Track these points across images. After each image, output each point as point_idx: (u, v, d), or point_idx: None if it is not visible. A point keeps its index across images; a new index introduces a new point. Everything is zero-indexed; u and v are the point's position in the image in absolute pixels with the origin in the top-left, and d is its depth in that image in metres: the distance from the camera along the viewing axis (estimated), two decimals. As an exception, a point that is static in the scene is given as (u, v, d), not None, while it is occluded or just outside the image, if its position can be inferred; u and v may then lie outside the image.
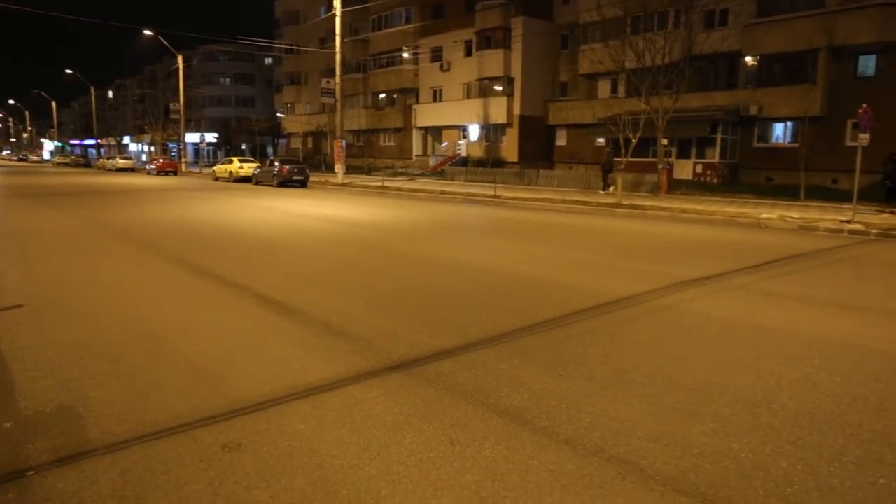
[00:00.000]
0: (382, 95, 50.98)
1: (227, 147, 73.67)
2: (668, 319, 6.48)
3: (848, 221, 15.09)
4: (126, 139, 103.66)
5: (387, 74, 48.84)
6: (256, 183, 33.78)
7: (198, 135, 63.84)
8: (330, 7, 34.31)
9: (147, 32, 47.05)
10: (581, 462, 3.42)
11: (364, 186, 30.59)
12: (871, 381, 4.73)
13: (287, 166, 31.81)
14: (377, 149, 50.34)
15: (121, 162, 58.33)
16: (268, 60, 77.02)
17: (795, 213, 17.40)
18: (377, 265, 9.75)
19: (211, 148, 75.73)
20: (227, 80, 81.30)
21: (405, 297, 7.43)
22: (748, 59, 29.49)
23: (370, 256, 10.63)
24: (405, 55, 46.97)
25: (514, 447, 3.59)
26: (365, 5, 44.45)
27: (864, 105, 16.06)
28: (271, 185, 31.55)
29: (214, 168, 41.13)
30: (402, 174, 40.36)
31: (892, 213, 17.15)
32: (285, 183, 31.09)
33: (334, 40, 33.55)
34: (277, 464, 3.38)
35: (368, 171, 43.16)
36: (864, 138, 15.93)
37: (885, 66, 25.70)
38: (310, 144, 60.08)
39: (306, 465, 3.37)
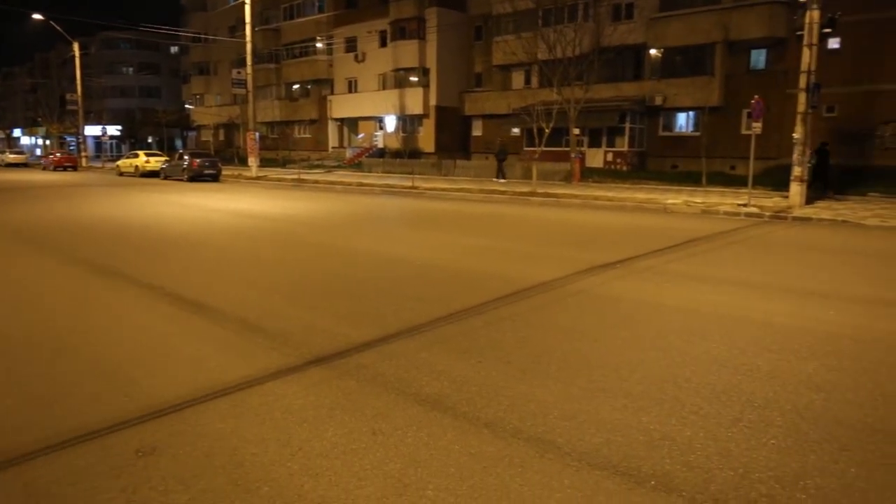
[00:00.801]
0: (296, 86, 49.88)
1: (132, 140, 70.14)
2: (581, 303, 6.73)
3: (745, 205, 16.08)
4: (17, 132, 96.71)
5: (300, 65, 47.80)
6: (165, 178, 32.37)
7: (99, 127, 60.32)
8: (238, -6, 33.23)
9: (37, 16, 43.82)
10: (501, 444, 3.53)
11: (279, 179, 29.92)
12: (764, 353, 5.10)
13: (198, 160, 30.64)
14: (292, 141, 49.25)
15: (11, 157, 54.18)
16: (174, 49, 73.70)
17: (698, 198, 18.38)
18: (295, 259, 9.60)
19: (114, 141, 71.88)
20: (130, 69, 77.27)
21: (325, 290, 7.37)
22: (653, 51, 30.76)
23: (288, 250, 10.45)
24: (319, 45, 46.10)
25: (436, 434, 3.65)
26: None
27: (756, 96, 17.15)
28: (181, 180, 30.31)
29: (118, 163, 39.07)
30: (318, 167, 39.71)
31: (832, 197, 18.51)
32: (196, 177, 29.96)
33: (244, 29, 32.53)
34: (196, 465, 3.30)
35: (283, 163, 42.21)
36: (757, 127, 17.02)
37: (774, 59, 27.47)
38: (221, 137, 58.02)
39: (226, 465, 3.31)
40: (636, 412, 3.97)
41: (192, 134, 65.22)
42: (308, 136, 49.58)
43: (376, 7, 41.06)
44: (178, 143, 65.74)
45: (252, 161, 32.56)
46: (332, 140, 47.46)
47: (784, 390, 4.33)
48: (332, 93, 46.31)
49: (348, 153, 43.83)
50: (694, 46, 28.88)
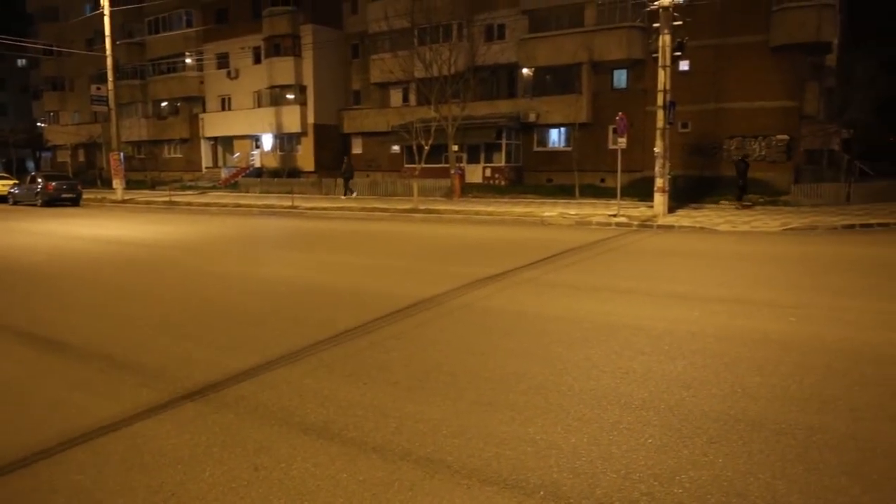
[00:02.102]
0: (165, 104, 47.31)
1: (-26, 163, 63.44)
2: (466, 317, 6.79)
3: (615, 215, 17.04)
4: None
5: (169, 81, 45.43)
6: (14, 203, 29.49)
7: (-67, 149, 54.08)
8: (97, 5, 31.04)
9: None
10: (390, 468, 3.45)
11: (148, 202, 28.18)
12: (638, 355, 5.37)
13: (53, 183, 28.17)
14: (162, 161, 46.62)
15: None
16: (21, 62, 67.62)
17: (573, 210, 19.27)
18: (167, 286, 9.02)
19: (-48, 164, 64.67)
20: (-31, 84, 70.03)
21: (200, 319, 6.96)
22: (525, 70, 32.03)
23: (158, 278, 9.80)
24: (188, 61, 44.06)
25: (323, 463, 3.51)
26: (139, 5, 40.97)
27: (620, 113, 18.31)
28: (34, 205, 27.73)
29: (-43, 188, 35.12)
30: (191, 188, 37.82)
31: (743, 207, 19.81)
32: (53, 202, 27.52)
33: (104, 42, 30.47)
34: (50, 523, 2.96)
35: (153, 185, 39.84)
36: (623, 142, 18.16)
37: (634, 79, 29.48)
38: (81, 158, 53.84)
39: (87, 520, 2.99)
40: (523, 423, 4.02)
41: (46, 155, 59.96)
42: (179, 155, 47.13)
43: (248, 23, 39.91)
44: (31, 164, 60.24)
45: (117, 183, 30.44)
46: (206, 160, 45.41)
47: (658, 390, 4.57)
48: (204, 111, 44.35)
49: (224, 173, 42.09)
50: (562, 66, 30.38)
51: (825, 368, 4.98)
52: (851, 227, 15.19)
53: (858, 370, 4.93)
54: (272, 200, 26.53)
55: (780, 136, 26.22)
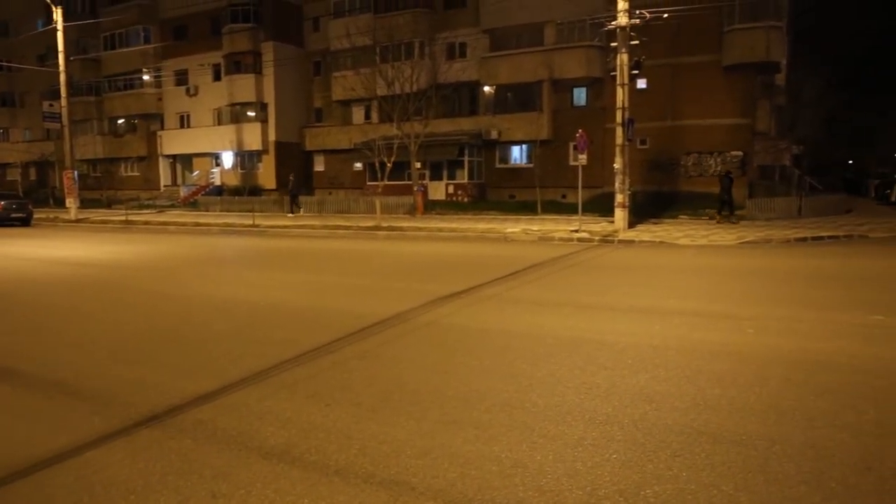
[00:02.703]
0: (122, 121, 46.33)
1: (-83, 182, 60.98)
2: (430, 335, 6.75)
3: (576, 231, 17.24)
4: None
5: (125, 98, 44.54)
6: (-39, 223, 28.41)
7: None
8: (49, 20, 30.34)
9: None
10: (353, 491, 3.37)
11: (104, 221, 27.47)
12: (601, 370, 5.39)
13: (2, 202, 27.26)
14: (118, 180, 45.56)
15: None
16: (-31, 79, 65.51)
17: (535, 226, 19.43)
18: (123, 308, 8.75)
19: None
20: (-88, 100, 67.45)
21: (157, 342, 6.76)
22: (486, 88, 32.36)
23: (114, 300, 9.51)
24: (146, 77, 43.30)
25: (283, 489, 3.42)
26: (94, 20, 40.21)
27: (580, 130, 18.60)
28: (-18, 226, 26.77)
29: None
30: (149, 206, 37.03)
31: (721, 220, 20.10)
32: (1, 222, 26.62)
33: (57, 57, 29.76)
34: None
35: (109, 204, 38.87)
36: (583, 158, 18.43)
37: (594, 97, 30.03)
38: (33, 176, 52.27)
39: (31, 556, 2.84)
40: (488, 441, 3.99)
41: (-5, 173, 58.06)
42: (136, 174, 46.13)
43: (208, 39, 39.48)
44: (-21, 184, 58.13)
45: (70, 202, 29.60)
46: (165, 178, 44.55)
47: (621, 405, 4.58)
48: (162, 128, 43.58)
49: (183, 191, 41.33)
50: (523, 84, 30.79)
51: (782, 379, 5.08)
52: (804, 239, 15.64)
53: (814, 380, 5.03)
54: (233, 219, 26.13)
55: (734, 152, 26.98)
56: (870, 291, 8.93)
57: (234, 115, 39.26)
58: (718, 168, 26.90)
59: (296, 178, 30.09)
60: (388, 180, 26.25)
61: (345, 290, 9.77)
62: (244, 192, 34.41)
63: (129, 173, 46.56)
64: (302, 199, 31.18)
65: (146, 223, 25.74)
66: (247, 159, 39.81)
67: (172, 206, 37.04)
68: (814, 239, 15.73)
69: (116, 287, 10.71)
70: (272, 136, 38.22)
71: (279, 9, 37.36)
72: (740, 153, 26.90)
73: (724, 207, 20.39)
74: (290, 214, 27.11)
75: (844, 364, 5.45)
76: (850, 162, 48.11)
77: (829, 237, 15.96)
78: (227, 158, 40.57)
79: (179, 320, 7.87)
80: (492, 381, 5.14)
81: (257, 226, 22.53)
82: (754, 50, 25.68)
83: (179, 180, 44.01)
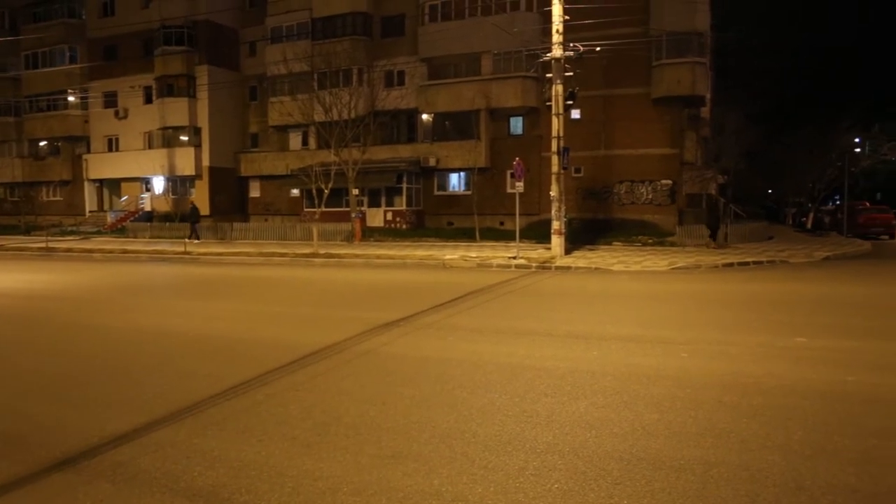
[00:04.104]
0: (44, 143, 44.27)
1: None
2: (368, 364, 6.59)
3: (514, 258, 17.39)
4: None
5: (48, 119, 42.63)
6: None
7: None
8: (-37, 38, 28.87)
9: None
10: (285, 533, 3.19)
11: (21, 248, 26.00)
12: (541, 398, 5.36)
13: None
14: (39, 205, 43.27)
15: None
16: None
17: (473, 252, 19.52)
18: (40, 342, 8.21)
19: None
20: None
21: (76, 377, 6.34)
22: (424, 116, 32.60)
23: (31, 332, 8.92)
24: (71, 99, 41.62)
25: (210, 533, 3.20)
26: (15, 38, 38.51)
27: (517, 159, 18.92)
28: None
29: None
30: (73, 233, 35.32)
31: (711, 244, 21.04)
32: None
33: (-29, 77, 28.27)
34: None
35: (27, 230, 36.89)
36: (520, 186, 18.71)
37: (530, 126, 30.69)
38: (-57, 201, 49.18)
39: None
40: (427, 475, 3.87)
41: None
42: (59, 198, 44.03)
43: (140, 61, 38.37)
44: None
45: (-16, 228, 27.93)
46: (90, 203, 42.68)
47: (562, 432, 4.56)
48: (88, 151, 41.83)
49: (110, 217, 39.67)
50: (461, 112, 31.17)
51: (716, 402, 5.17)
52: (730, 265, 16.27)
53: (746, 402, 5.15)
54: (163, 246, 25.22)
55: (664, 181, 27.99)
56: (793, 314, 9.30)
57: (166, 138, 38.14)
58: (650, 196, 27.83)
59: (194, 205, 29.76)
60: (326, 207, 25.94)
61: (280, 320, 9.48)
62: (176, 218, 33.31)
63: (52, 198, 44.38)
64: (236, 225, 30.51)
65: (68, 250, 24.50)
66: (179, 184, 38.65)
67: (98, 233, 35.46)
68: (740, 264, 16.38)
69: (33, 318, 10.06)
70: (206, 162, 37.30)
71: (214, 33, 36.78)
72: (670, 182, 27.92)
73: (713, 234, 21.56)
74: (190, 241, 26.61)
75: (773, 386, 5.61)
76: (770, 191, 50.76)
77: (754, 262, 16.66)
78: (158, 183, 39.27)
79: (101, 353, 7.43)
80: (431, 412, 5.04)
81: (189, 253, 21.79)
82: (681, 84, 26.87)
83: (106, 206, 42.27)
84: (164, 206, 37.93)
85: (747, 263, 16.52)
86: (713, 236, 21.45)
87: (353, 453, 4.22)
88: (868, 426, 4.60)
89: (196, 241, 26.30)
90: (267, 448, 4.32)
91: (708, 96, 30.08)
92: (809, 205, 34.98)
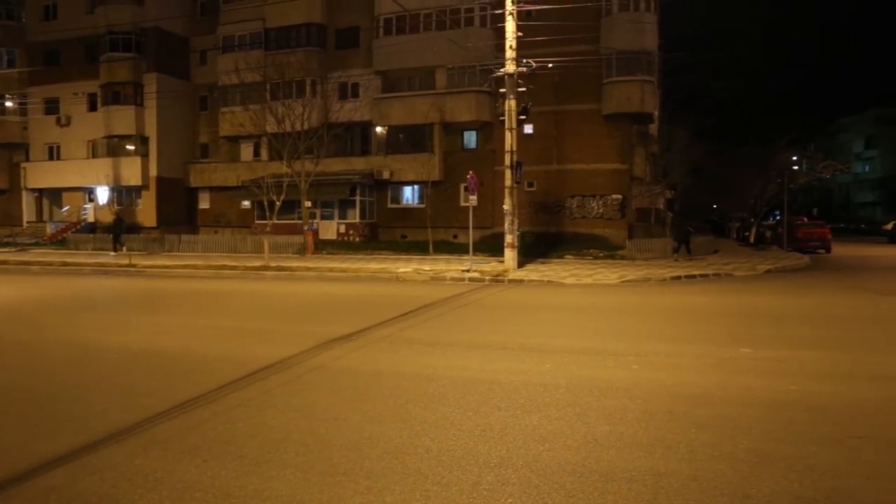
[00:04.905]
0: (-22, 151, 42.43)
1: None
2: (319, 380, 6.46)
3: (468, 271, 17.43)
4: None
5: (-17, 126, 40.91)
6: None
7: None
8: None
9: None
10: (231, 557, 3.07)
11: (-47, 261, 24.72)
12: (494, 411, 5.35)
13: None
14: (-29, 215, 41.43)
15: None
16: None
17: (427, 265, 19.48)
18: (-33, 359, 7.78)
19: None
20: None
21: (11, 395, 6.02)
22: (378, 129, 32.55)
23: (-43, 348, 8.45)
24: (9, 104, 40.03)
25: (150, 559, 3.06)
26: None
27: (471, 172, 19.02)
28: None
29: None
30: (8, 244, 33.83)
31: (680, 258, 21.93)
32: None
33: None
34: None
35: (-42, 242, 35.19)
36: (473, 199, 18.81)
37: (484, 140, 30.98)
38: None
39: None
40: (380, 493, 3.80)
41: None
42: (-6, 208, 42.18)
43: (84, 67, 37.17)
44: None
45: (-88, 239, 26.50)
46: (28, 214, 41.00)
47: (515, 446, 4.54)
48: (27, 159, 40.28)
49: (50, 228, 38.16)
50: (415, 126, 31.24)
51: (666, 413, 5.25)
52: (678, 278, 16.67)
53: (695, 412, 5.25)
54: (106, 258, 24.37)
55: (614, 196, 28.58)
56: (738, 326, 9.56)
57: (112, 147, 37.01)
58: (601, 210, 28.37)
59: (118, 216, 29.45)
60: (278, 219, 25.54)
61: (228, 334, 9.24)
62: (108, 229, 32.28)
63: (-14, 208, 42.48)
64: (184, 237, 29.75)
65: (3, 263, 23.42)
66: (124, 195, 37.53)
67: (37, 244, 34.07)
68: (687, 277, 16.80)
69: (-37, 334, 9.55)
70: (153, 172, 36.34)
71: (164, 40, 35.97)
72: (620, 196, 28.53)
73: (680, 247, 22.53)
74: (112, 253, 26.29)
75: (720, 396, 5.73)
76: (715, 206, 52.41)
77: (701, 275, 17.11)
78: (103, 194, 38.04)
79: (39, 371, 7.09)
80: (383, 427, 4.96)
81: (134, 265, 21.10)
82: (630, 101, 27.56)
83: (46, 216, 40.69)
84: (109, 218, 36.70)
85: (694, 276, 16.96)
86: (678, 249, 22.32)
87: (302, 471, 4.11)
88: (809, 433, 4.74)
89: (112, 254, 25.88)
90: (213, 468, 4.17)
91: (656, 114, 30.94)
92: (752, 220, 36.22)
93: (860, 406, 5.46)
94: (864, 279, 17.15)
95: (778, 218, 37.83)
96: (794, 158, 37.10)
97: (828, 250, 28.71)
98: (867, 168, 71.35)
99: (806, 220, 36.18)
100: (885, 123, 66.58)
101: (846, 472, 4.07)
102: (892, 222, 45.33)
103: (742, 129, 40.86)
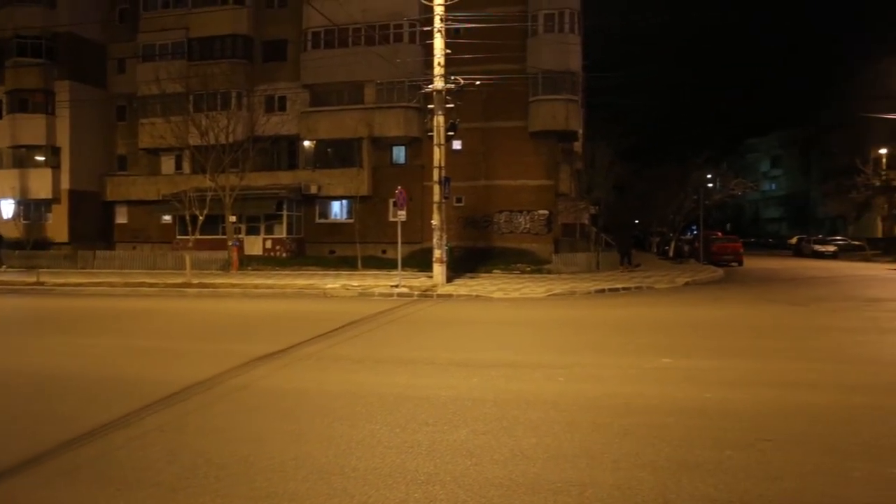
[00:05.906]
0: None
1: None
2: (241, 400, 6.26)
3: (396, 286, 17.37)
4: None
5: None
6: None
7: None
8: None
9: None
10: (143, 591, 2.90)
11: None
12: (422, 427, 5.32)
13: None
14: None
15: None
16: None
17: (355, 281, 19.30)
18: None
19: None
20: None
21: None
22: (306, 143, 32.13)
23: None
24: None
25: None
26: None
27: (399, 187, 19.03)
28: None
29: None
30: None
31: (625, 269, 23.42)
32: None
33: None
34: None
35: None
36: (402, 215, 18.80)
37: (412, 155, 31.08)
38: None
39: None
40: (304, 515, 3.69)
41: None
42: None
43: (-13, 73, 35.07)
44: None
45: None
46: (-78, 228, 38.09)
47: (443, 462, 4.52)
48: (-78, 170, 37.50)
49: (-54, 244, 35.58)
50: (343, 140, 31.01)
51: (591, 424, 5.36)
52: (602, 291, 17.16)
53: (618, 422, 5.38)
54: (10, 276, 22.91)
55: (541, 211, 29.21)
56: (659, 337, 9.91)
57: (18, 158, 34.92)
58: (528, 225, 28.94)
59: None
60: (201, 234, 24.66)
61: (147, 355, 8.83)
62: (28, 245, 30.43)
63: None
64: (99, 253, 28.37)
65: None
66: (32, 209, 35.43)
67: (-69, 262, 31.65)
68: (611, 290, 17.31)
69: None
70: (65, 184, 34.50)
71: (77, 46, 34.32)
72: (546, 212, 29.18)
73: (623, 258, 23.77)
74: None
75: (642, 405, 5.91)
76: (637, 221, 54.40)
77: (623, 288, 17.68)
78: (7, 207, 35.79)
79: (-71, 398, 6.55)
80: (309, 447, 4.84)
81: (43, 284, 19.91)
82: (555, 119, 28.33)
83: (-57, 232, 37.87)
84: (14, 232, 34.51)
85: (617, 289, 17.49)
86: (624, 261, 23.30)
87: (222, 497, 3.95)
88: (725, 439, 4.94)
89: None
90: (126, 497, 3.95)
91: (581, 132, 31.88)
92: (671, 234, 37.79)
93: (769, 411, 5.75)
94: (772, 291, 18.17)
95: (695, 233, 39.67)
96: (709, 177, 39.07)
97: (740, 263, 30.27)
98: (773, 186, 75.97)
99: (720, 234, 38.09)
100: (788, 145, 71.15)
101: (756, 473, 4.27)
102: (796, 237, 48.49)
103: (661, 148, 42.82)
